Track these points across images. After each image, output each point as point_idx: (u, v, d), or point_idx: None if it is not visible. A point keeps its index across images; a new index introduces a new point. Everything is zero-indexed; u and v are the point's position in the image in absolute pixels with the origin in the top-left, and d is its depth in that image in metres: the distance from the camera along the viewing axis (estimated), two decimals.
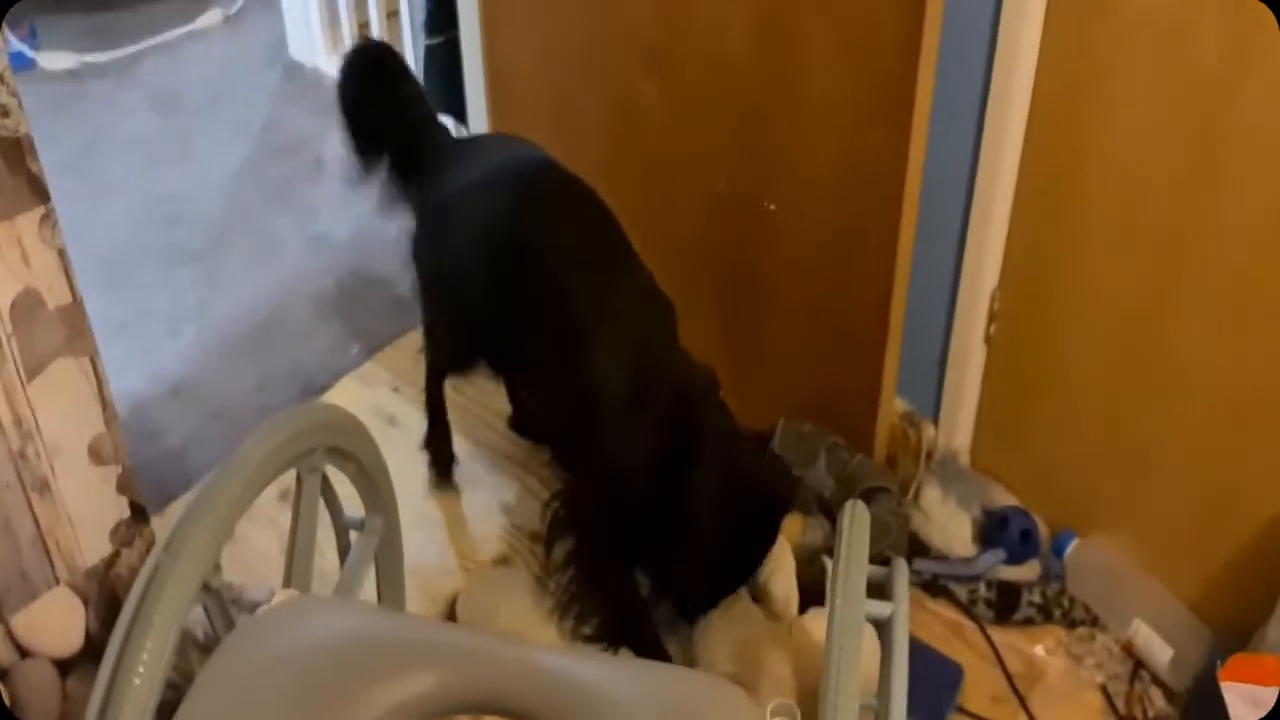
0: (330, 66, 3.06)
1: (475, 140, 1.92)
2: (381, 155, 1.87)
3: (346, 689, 0.93)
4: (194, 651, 1.27)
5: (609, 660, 1.00)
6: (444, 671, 0.97)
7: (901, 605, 1.10)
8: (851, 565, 1.06)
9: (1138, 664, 1.79)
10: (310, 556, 1.20)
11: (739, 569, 1.71)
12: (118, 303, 2.42)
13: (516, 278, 1.70)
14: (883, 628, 1.10)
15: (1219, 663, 1.23)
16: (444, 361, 1.95)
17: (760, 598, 1.73)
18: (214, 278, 2.52)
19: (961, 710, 1.75)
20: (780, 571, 1.68)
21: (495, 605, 1.80)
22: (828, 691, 0.94)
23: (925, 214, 1.74)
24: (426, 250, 1.84)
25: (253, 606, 1.80)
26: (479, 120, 2.41)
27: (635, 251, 1.72)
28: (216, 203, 2.71)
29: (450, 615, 1.85)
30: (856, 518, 1.15)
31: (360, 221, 2.61)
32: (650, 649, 1.66)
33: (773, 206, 1.86)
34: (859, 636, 0.99)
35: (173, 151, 2.85)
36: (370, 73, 1.88)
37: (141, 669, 0.91)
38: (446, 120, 2.66)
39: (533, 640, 1.72)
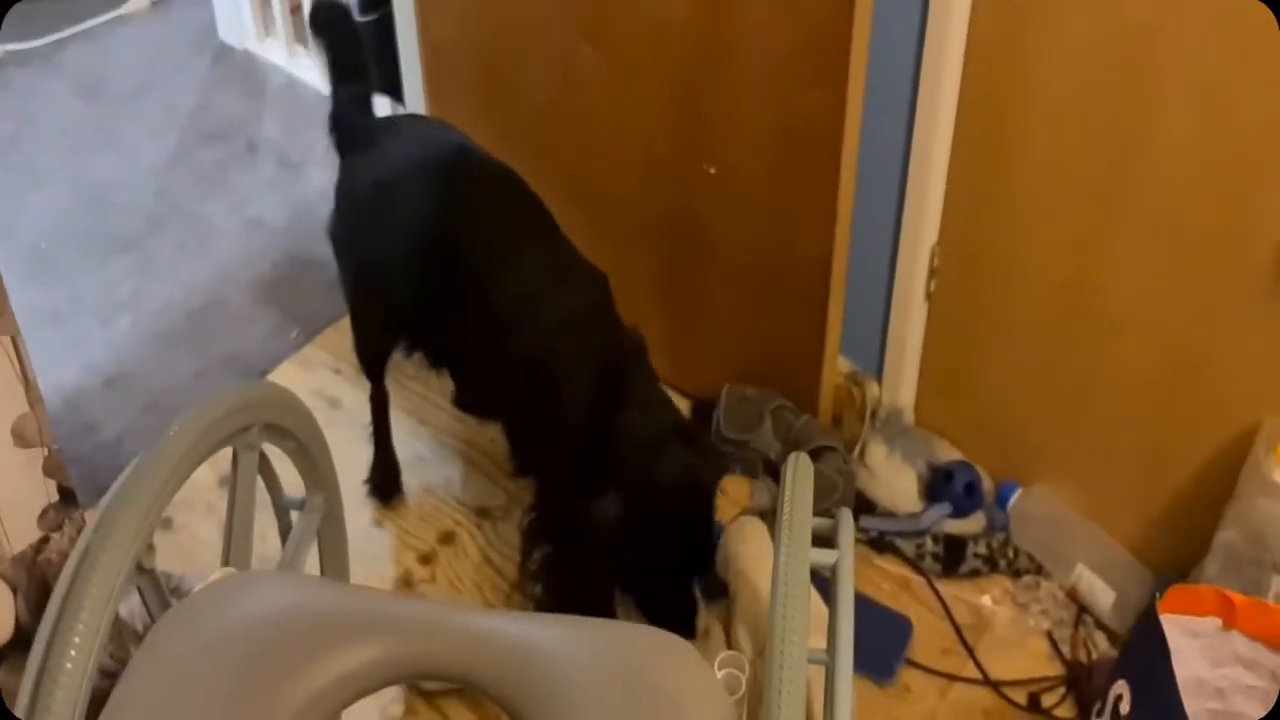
0: (262, 49, 3.01)
1: (394, 122, 1.90)
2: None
3: (290, 663, 0.92)
4: (131, 642, 1.25)
5: (555, 620, 0.99)
6: (389, 641, 0.96)
7: (846, 553, 1.10)
8: (796, 515, 1.06)
9: (1081, 609, 1.82)
10: (249, 534, 1.18)
11: (688, 560, 1.69)
12: (48, 293, 2.37)
13: (439, 264, 1.69)
14: (829, 577, 1.10)
15: (1158, 595, 1.25)
16: (373, 346, 1.93)
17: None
18: (147, 266, 2.46)
19: (911, 663, 1.78)
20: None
21: None
22: (774, 641, 0.94)
23: (864, 173, 1.75)
24: (344, 234, 1.83)
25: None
26: (415, 97, 2.38)
27: (558, 228, 1.72)
28: (148, 190, 2.65)
29: None
30: (800, 468, 1.15)
31: (295, 204, 2.58)
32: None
33: (712, 170, 1.86)
34: (805, 585, 1.00)
35: (101, 139, 2.78)
36: (334, 26, 1.88)
37: (73, 652, 0.89)
38: (382, 100, 2.64)
39: None
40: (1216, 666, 1.28)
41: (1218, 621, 1.26)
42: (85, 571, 0.93)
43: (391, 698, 1.65)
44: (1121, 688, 1.20)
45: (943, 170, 1.75)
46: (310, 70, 2.89)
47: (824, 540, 1.20)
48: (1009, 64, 1.60)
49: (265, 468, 1.28)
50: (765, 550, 1.69)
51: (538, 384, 1.64)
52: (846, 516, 1.18)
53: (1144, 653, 1.19)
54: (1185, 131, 1.47)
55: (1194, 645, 1.26)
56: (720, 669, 0.99)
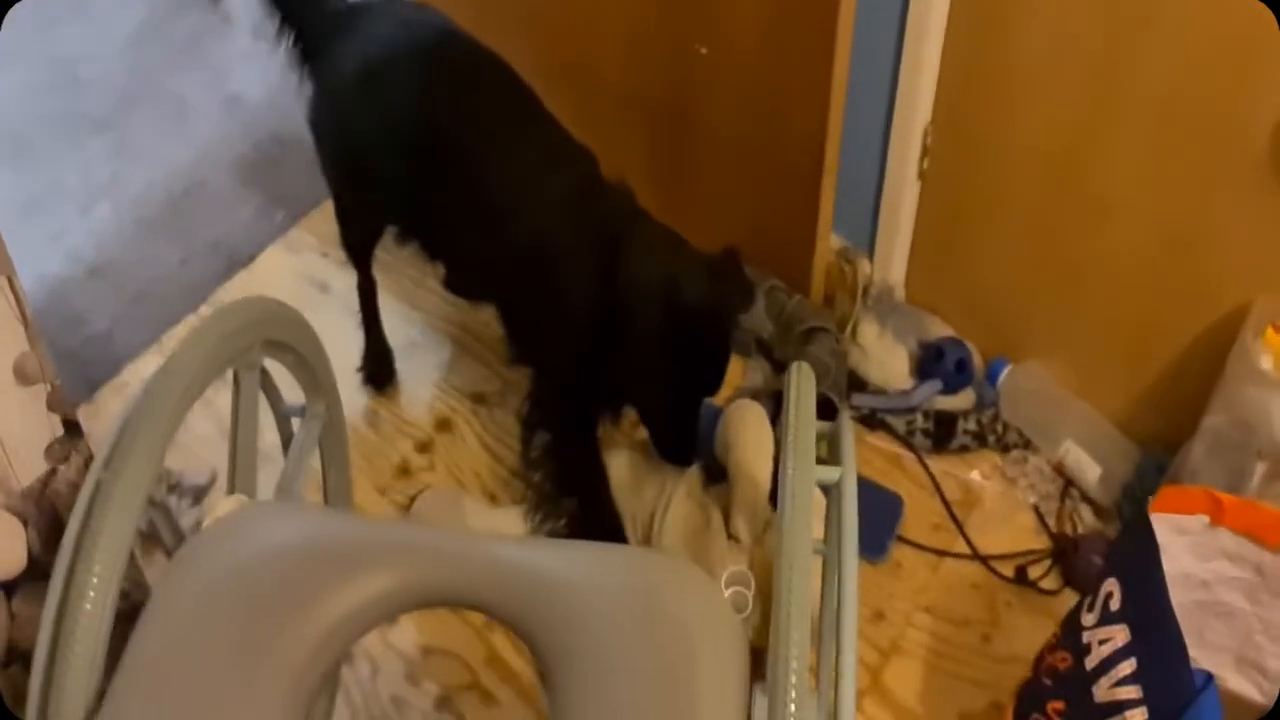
0: None
1: (369, 5, 1.82)
2: (282, 26, 1.79)
3: (305, 596, 0.94)
4: (137, 546, 1.27)
5: (567, 545, 1.02)
6: (401, 570, 0.98)
7: (849, 470, 1.12)
8: (801, 431, 1.07)
9: (1068, 483, 1.87)
10: (253, 457, 1.19)
11: (704, 378, 1.67)
12: (24, 179, 2.32)
13: (428, 150, 1.65)
14: (831, 489, 1.13)
15: (1148, 494, 1.28)
16: (359, 233, 1.91)
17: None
18: (124, 147, 2.40)
19: (903, 540, 1.83)
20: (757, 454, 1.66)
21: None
22: (782, 558, 0.97)
23: (857, 53, 1.70)
24: (327, 122, 1.78)
25: (194, 491, 1.82)
26: None
27: (545, 110, 1.68)
28: (119, 65, 2.56)
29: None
30: (803, 382, 1.16)
31: (275, 79, 2.49)
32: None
33: (704, 50, 1.81)
34: (809, 506, 1.02)
35: (68, 12, 2.66)
36: None
37: (92, 593, 0.90)
38: None
39: None
40: (1203, 561, 1.33)
41: (1205, 519, 1.30)
42: (99, 509, 0.94)
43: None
44: (1112, 585, 1.24)
45: (937, 48, 1.71)
46: None
47: (825, 440, 1.23)
48: None
49: (265, 381, 1.28)
50: (763, 437, 1.71)
51: (535, 266, 1.63)
52: (848, 428, 1.19)
53: (1134, 551, 1.23)
54: (1185, 8, 1.43)
55: (1182, 542, 1.30)
56: (727, 587, 1.02)
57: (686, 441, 1.70)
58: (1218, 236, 1.58)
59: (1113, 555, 1.36)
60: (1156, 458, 1.77)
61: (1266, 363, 1.50)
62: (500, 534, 1.70)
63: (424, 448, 1.95)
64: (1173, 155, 1.56)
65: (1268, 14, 1.36)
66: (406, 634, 1.71)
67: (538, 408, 1.76)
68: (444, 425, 1.98)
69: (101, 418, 1.94)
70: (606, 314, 1.58)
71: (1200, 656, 1.40)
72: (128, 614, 1.00)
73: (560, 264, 1.61)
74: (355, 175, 1.81)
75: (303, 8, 1.78)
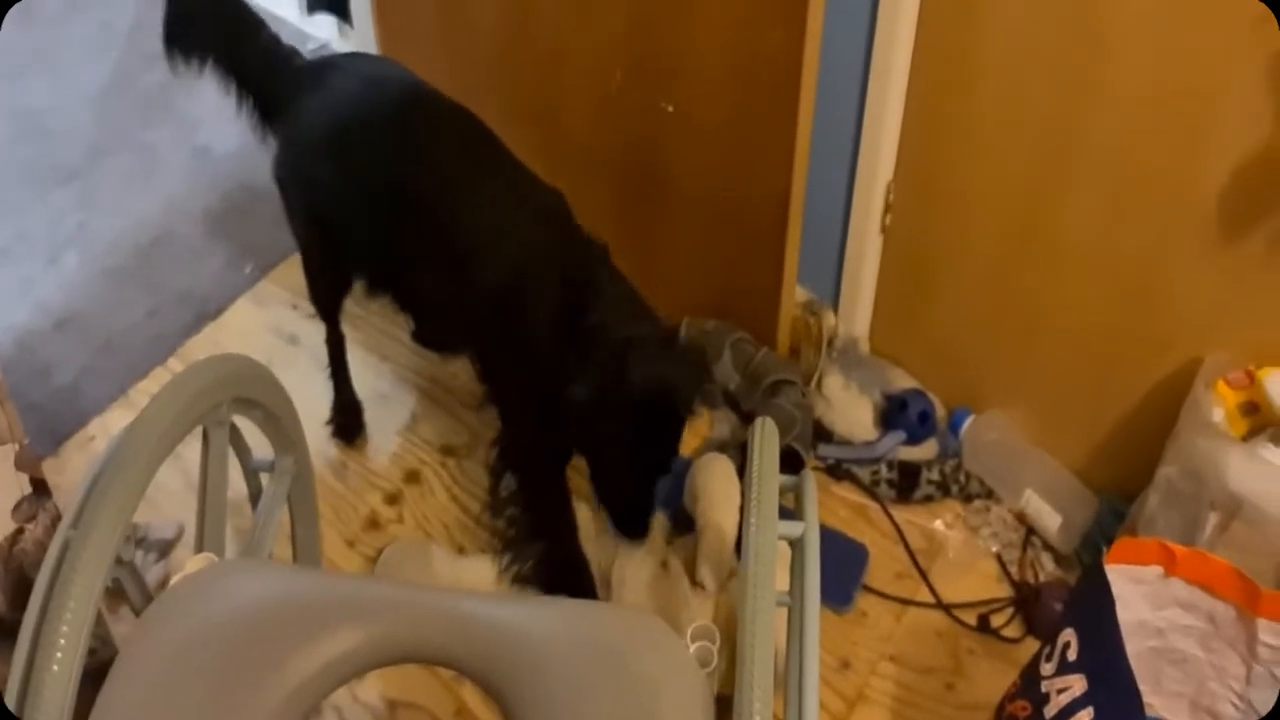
0: None
1: (332, 61, 1.84)
2: (239, 90, 1.82)
3: (274, 654, 0.95)
4: (103, 602, 1.26)
5: (535, 603, 1.03)
6: (369, 627, 0.99)
7: (812, 524, 1.14)
8: (764, 488, 1.09)
9: (1029, 531, 1.90)
10: (223, 514, 1.19)
11: (657, 457, 1.67)
12: None
13: (396, 202, 1.67)
14: (795, 543, 1.14)
15: (1106, 543, 1.31)
16: (327, 289, 1.92)
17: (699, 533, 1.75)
18: (92, 198, 2.41)
19: (868, 589, 1.84)
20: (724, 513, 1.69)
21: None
22: (746, 613, 0.98)
23: (821, 111, 1.74)
24: (294, 177, 1.79)
25: (159, 545, 1.81)
26: (364, 21, 2.32)
27: (513, 157, 1.70)
28: (87, 117, 2.57)
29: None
30: (766, 436, 1.18)
31: (245, 131, 2.49)
32: (583, 590, 1.70)
33: (670, 107, 1.84)
34: (773, 561, 1.03)
35: (35, 64, 2.67)
36: (199, 13, 1.82)
37: (59, 655, 0.90)
38: (328, 19, 2.56)
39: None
40: (1158, 610, 1.35)
41: (1159, 570, 1.33)
42: (67, 571, 0.95)
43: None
44: (1069, 635, 1.27)
45: (899, 108, 1.76)
46: None
47: (788, 492, 1.25)
48: (963, 6, 1.60)
49: (234, 436, 1.29)
50: (730, 489, 1.73)
51: (506, 310, 1.63)
52: (811, 483, 1.21)
53: (1090, 602, 1.25)
54: (1135, 74, 1.49)
55: (1137, 591, 1.33)
56: (693, 642, 1.04)
57: (640, 516, 1.68)
58: (1170, 292, 1.63)
59: (1070, 606, 1.38)
60: (1115, 506, 1.81)
61: (1218, 415, 1.54)
62: (467, 589, 1.70)
63: (393, 500, 1.95)
64: (1126, 213, 1.61)
65: (1213, 79, 1.41)
66: (375, 688, 1.70)
67: (506, 451, 1.77)
68: (412, 477, 1.99)
69: (67, 472, 1.93)
70: (569, 373, 1.60)
71: (1156, 703, 1.43)
72: (95, 672, 1.00)
73: (530, 308, 1.62)
74: (322, 230, 1.82)
75: (260, 71, 1.80)
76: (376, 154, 1.69)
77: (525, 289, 1.62)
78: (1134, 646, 1.24)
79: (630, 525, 1.68)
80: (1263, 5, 1.30)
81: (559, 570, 1.72)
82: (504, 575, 1.74)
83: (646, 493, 1.66)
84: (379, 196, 1.70)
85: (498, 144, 1.71)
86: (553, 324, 1.60)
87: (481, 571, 1.76)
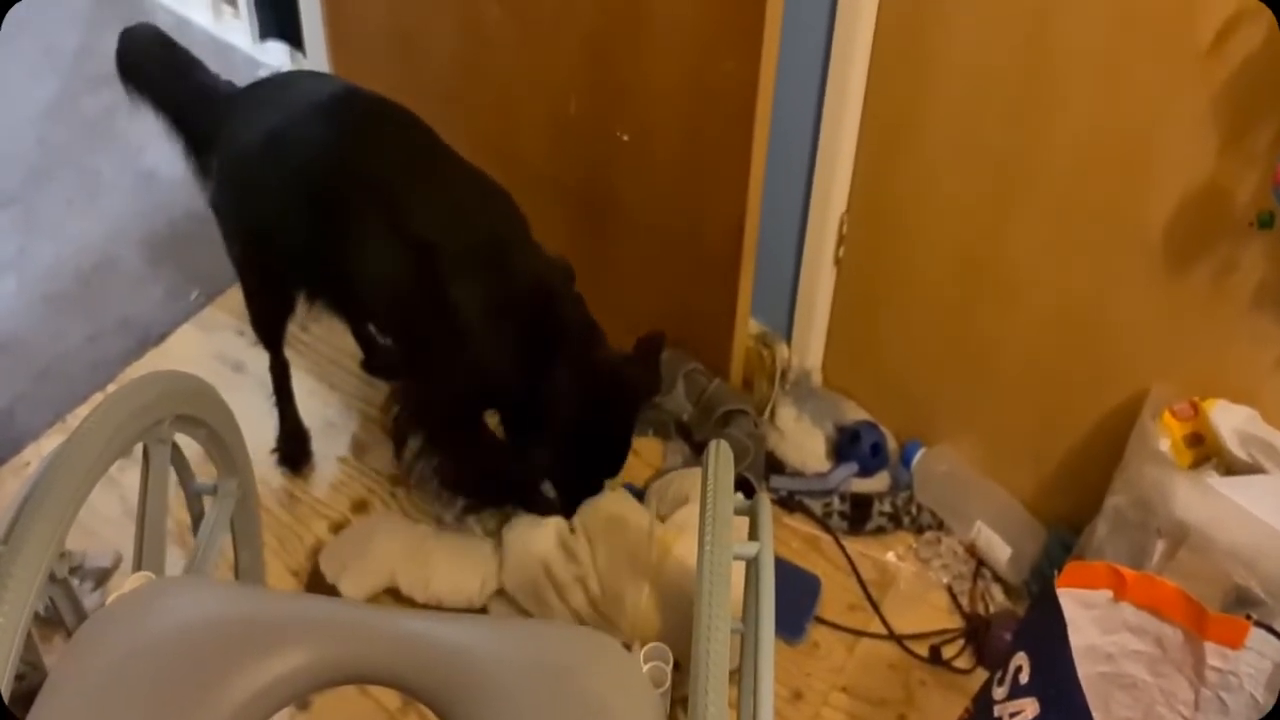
0: None
1: (265, 82, 1.83)
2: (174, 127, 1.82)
3: (214, 674, 0.91)
4: (35, 629, 1.22)
5: (485, 621, 1.00)
6: (312, 646, 0.96)
7: (767, 545, 1.13)
8: (718, 510, 1.08)
9: (979, 563, 1.90)
10: (163, 534, 1.16)
11: (606, 459, 1.76)
12: None
13: (340, 208, 1.64)
14: (749, 566, 1.13)
15: (1055, 571, 1.32)
16: (269, 313, 1.88)
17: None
18: (33, 222, 2.36)
19: (820, 620, 1.84)
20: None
21: (362, 549, 1.78)
22: (699, 638, 0.97)
23: (776, 143, 1.76)
24: (231, 200, 1.76)
25: (96, 574, 1.76)
26: (316, 48, 2.31)
27: (457, 153, 1.69)
28: (29, 140, 2.52)
29: (313, 565, 1.83)
30: (720, 458, 1.17)
31: None
32: (526, 494, 1.79)
33: (625, 137, 1.85)
34: (727, 579, 1.02)
35: None
36: (136, 57, 1.83)
37: None
38: (280, 46, 2.55)
39: (406, 566, 1.75)
40: (1107, 634, 1.36)
41: (1109, 594, 1.34)
42: None
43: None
44: (1021, 659, 1.27)
45: (852, 141, 1.77)
46: (202, 10, 2.77)
47: (742, 514, 1.24)
48: (916, 40, 1.62)
49: (176, 457, 1.25)
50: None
51: (453, 314, 1.62)
52: (765, 505, 1.20)
53: (1042, 625, 1.25)
54: (1081, 110, 1.52)
55: (1087, 615, 1.33)
56: (646, 662, 1.02)
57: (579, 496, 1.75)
58: (1116, 325, 1.65)
59: (1021, 629, 1.38)
60: (1064, 538, 1.82)
61: (1164, 445, 1.56)
62: (414, 610, 1.67)
63: (340, 529, 1.91)
64: (1073, 247, 1.64)
65: (1156, 117, 1.44)
66: (318, 718, 1.66)
67: (419, 411, 1.77)
68: (360, 506, 1.95)
69: (0, 499, 1.88)
70: (524, 361, 1.62)
71: None
72: (22, 698, 0.95)
73: (479, 319, 1.61)
74: (261, 247, 1.78)
75: (192, 106, 1.79)
76: (314, 155, 1.66)
77: (485, 312, 1.61)
78: (1084, 671, 1.24)
79: (570, 500, 1.75)
80: (1205, 42, 1.34)
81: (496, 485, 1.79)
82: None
83: (600, 486, 1.75)
84: (317, 199, 1.66)
85: (439, 141, 1.69)
86: (511, 353, 1.62)
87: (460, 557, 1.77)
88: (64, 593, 1.03)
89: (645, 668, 1.01)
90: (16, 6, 2.73)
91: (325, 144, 1.66)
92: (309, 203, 1.66)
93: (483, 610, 1.76)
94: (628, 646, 1.59)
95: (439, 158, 1.68)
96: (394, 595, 1.78)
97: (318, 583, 1.77)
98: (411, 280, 1.61)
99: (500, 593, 1.76)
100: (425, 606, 1.76)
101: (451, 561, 1.76)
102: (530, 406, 1.65)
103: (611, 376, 1.67)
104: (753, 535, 1.21)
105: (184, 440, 1.25)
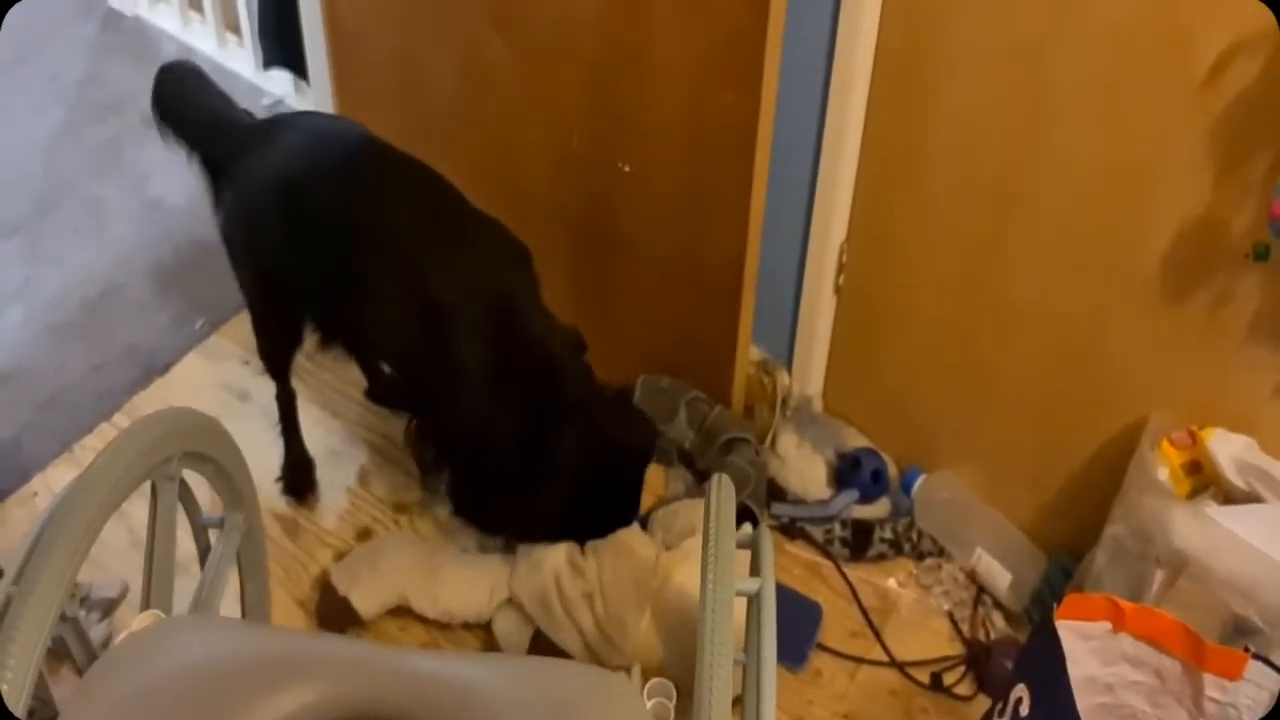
0: (153, 15, 2.89)
1: (280, 118, 1.85)
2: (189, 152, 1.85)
3: (222, 713, 0.92)
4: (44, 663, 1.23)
5: (491, 659, 1.01)
6: (321, 683, 0.97)
7: (768, 580, 1.14)
8: (720, 545, 1.09)
9: (980, 590, 1.91)
10: (171, 571, 1.17)
11: (606, 525, 1.77)
12: None
13: (352, 259, 1.67)
14: (751, 599, 1.14)
15: (1055, 600, 1.33)
16: (276, 344, 1.90)
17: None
18: (39, 251, 2.37)
19: (822, 647, 1.84)
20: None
21: (374, 565, 1.81)
22: (702, 674, 0.98)
23: (776, 173, 1.77)
24: (244, 234, 1.78)
25: (102, 604, 1.77)
26: (320, 78, 2.33)
27: (474, 207, 1.71)
28: (35, 169, 2.54)
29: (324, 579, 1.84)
30: (723, 493, 1.18)
31: (196, 184, 2.47)
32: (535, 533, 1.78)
33: (627, 168, 1.87)
34: (730, 616, 1.03)
35: None
36: (172, 90, 1.87)
37: None
38: (284, 75, 2.57)
39: (416, 581, 1.77)
40: (1106, 665, 1.37)
41: (1108, 625, 1.35)
42: (9, 629, 0.92)
43: None
44: (1021, 691, 1.28)
45: (852, 171, 1.79)
46: (207, 38, 2.80)
47: (744, 547, 1.25)
48: (915, 71, 1.64)
49: (183, 491, 1.26)
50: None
51: (459, 375, 1.64)
52: (767, 539, 1.22)
53: (1041, 657, 1.26)
54: (1079, 140, 1.53)
55: (1086, 647, 1.34)
56: (649, 698, 1.03)
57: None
58: (1115, 353, 1.66)
59: (1021, 662, 1.39)
60: (1064, 564, 1.83)
61: (1163, 474, 1.57)
62: (421, 649, 1.68)
63: (344, 558, 1.92)
64: (1072, 276, 1.65)
65: (1154, 147, 1.46)
66: None
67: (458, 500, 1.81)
68: (365, 535, 1.96)
69: (7, 529, 1.89)
70: (527, 430, 1.64)
71: None
72: None
73: (483, 381, 1.64)
74: (273, 284, 1.80)
75: (210, 133, 1.82)
76: (329, 203, 1.69)
77: (491, 375, 1.63)
78: (1083, 702, 1.25)
79: None
80: (1201, 74, 1.35)
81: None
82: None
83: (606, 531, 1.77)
84: (333, 251, 1.69)
85: (456, 192, 1.72)
86: (512, 419, 1.65)
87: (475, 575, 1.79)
88: (73, 630, 1.04)
89: (649, 704, 1.02)
90: (22, 36, 2.77)
91: (345, 200, 1.68)
92: (320, 251, 1.69)
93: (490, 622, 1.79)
94: (628, 670, 1.61)
95: (458, 215, 1.70)
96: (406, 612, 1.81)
97: (329, 596, 1.79)
98: (424, 336, 1.63)
99: (509, 602, 1.78)
100: (436, 622, 1.79)
101: (460, 574, 1.79)
102: (532, 470, 1.67)
103: (613, 450, 1.70)
104: (754, 568, 1.22)
105: (189, 473, 1.27)
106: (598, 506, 1.75)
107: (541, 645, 1.73)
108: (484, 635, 1.81)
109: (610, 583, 1.69)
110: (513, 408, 1.63)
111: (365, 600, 1.77)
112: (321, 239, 1.69)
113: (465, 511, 1.84)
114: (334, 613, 1.77)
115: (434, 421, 1.79)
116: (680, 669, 1.62)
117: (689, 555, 1.72)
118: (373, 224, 1.67)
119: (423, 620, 1.80)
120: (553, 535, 1.75)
